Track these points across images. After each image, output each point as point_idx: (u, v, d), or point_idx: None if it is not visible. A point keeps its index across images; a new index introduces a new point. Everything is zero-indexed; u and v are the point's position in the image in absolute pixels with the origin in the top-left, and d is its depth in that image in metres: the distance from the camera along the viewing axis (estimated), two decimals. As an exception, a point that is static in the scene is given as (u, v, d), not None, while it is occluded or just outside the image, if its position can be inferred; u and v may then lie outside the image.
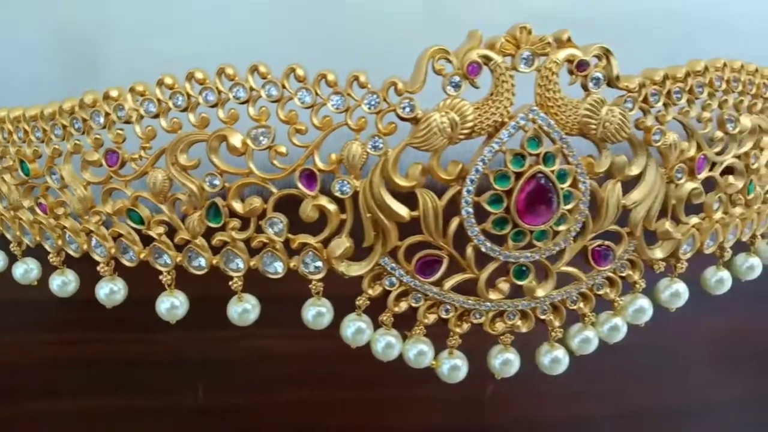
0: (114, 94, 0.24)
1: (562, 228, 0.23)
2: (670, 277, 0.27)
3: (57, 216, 0.27)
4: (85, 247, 0.27)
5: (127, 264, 0.26)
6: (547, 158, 0.22)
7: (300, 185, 0.23)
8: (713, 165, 0.26)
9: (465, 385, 0.46)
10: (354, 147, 0.22)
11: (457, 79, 0.22)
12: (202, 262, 0.25)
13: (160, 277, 0.26)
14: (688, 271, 0.28)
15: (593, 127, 0.23)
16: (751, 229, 0.29)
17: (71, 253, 0.27)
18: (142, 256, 0.25)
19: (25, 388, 0.37)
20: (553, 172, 0.22)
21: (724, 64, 0.25)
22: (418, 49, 0.22)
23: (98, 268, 0.27)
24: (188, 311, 0.27)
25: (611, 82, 0.23)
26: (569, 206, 0.23)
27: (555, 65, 0.22)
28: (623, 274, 0.26)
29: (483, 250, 0.23)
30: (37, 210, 0.27)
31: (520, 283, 0.24)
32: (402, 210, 0.23)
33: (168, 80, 0.23)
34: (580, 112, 0.23)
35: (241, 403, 0.41)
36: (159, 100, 0.23)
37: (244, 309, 0.25)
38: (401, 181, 0.22)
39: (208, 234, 0.25)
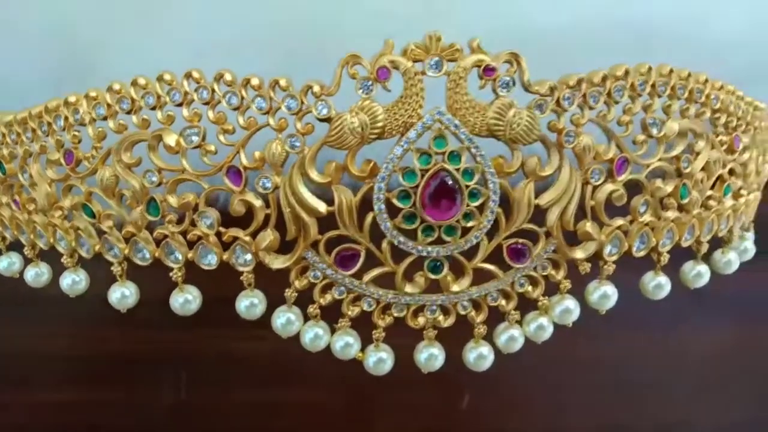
0: (72, 99, 0.26)
1: (470, 224, 0.24)
2: (598, 279, 0.27)
3: (29, 212, 0.29)
4: (51, 240, 0.29)
5: (84, 256, 0.28)
6: (452, 157, 0.23)
7: (227, 181, 0.25)
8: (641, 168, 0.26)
9: (441, 393, 0.47)
10: (274, 146, 0.24)
11: (368, 82, 0.23)
12: (146, 254, 0.27)
13: (112, 268, 0.28)
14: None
15: (500, 129, 0.24)
16: (692, 235, 0.29)
17: (42, 246, 0.30)
18: (96, 248, 0.28)
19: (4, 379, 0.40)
20: (458, 170, 0.23)
21: (649, 69, 0.26)
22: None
23: (62, 260, 0.29)
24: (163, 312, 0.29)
25: (525, 86, 0.24)
26: (476, 203, 0.24)
27: (463, 70, 0.24)
28: (545, 274, 0.26)
29: (396, 244, 0.24)
30: (13, 206, 0.30)
31: (434, 277, 0.25)
32: (320, 205, 0.24)
33: (116, 86, 0.26)
34: (488, 115, 0.24)
35: (210, 402, 0.43)
36: (108, 104, 0.26)
37: (185, 299, 0.27)
38: (317, 178, 0.24)
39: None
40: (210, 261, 0.26)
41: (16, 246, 0.32)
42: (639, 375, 0.47)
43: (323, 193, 0.25)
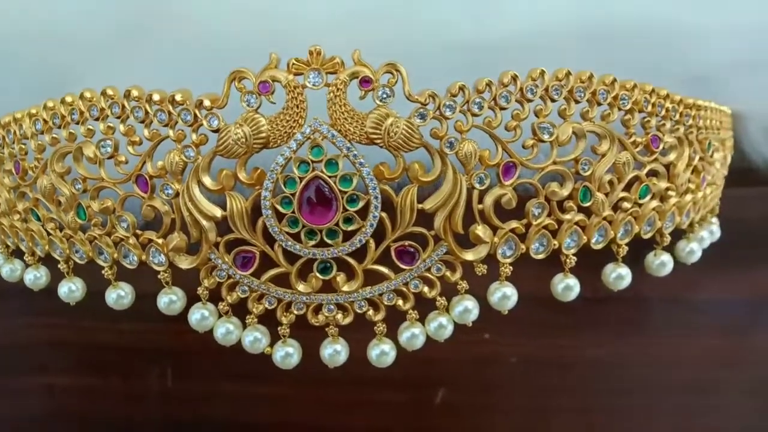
0: (18, 115, 0.30)
1: (352, 228, 0.25)
2: (499, 279, 0.28)
3: None
4: (15, 241, 0.33)
5: (39, 254, 0.32)
6: (329, 164, 0.25)
7: (136, 188, 0.27)
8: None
9: (414, 390, 0.48)
10: (172, 155, 0.26)
11: (252, 96, 0.25)
12: (82, 254, 0.30)
13: (59, 266, 0.31)
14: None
15: (378, 137, 0.25)
16: (604, 236, 0.29)
17: (9, 245, 0.34)
18: (46, 248, 0.31)
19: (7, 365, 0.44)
20: (335, 177, 0.25)
21: (542, 73, 0.26)
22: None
23: (24, 258, 0.33)
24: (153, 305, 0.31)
25: (406, 96, 0.25)
26: (356, 208, 0.25)
27: (341, 82, 0.25)
28: (440, 275, 0.27)
29: (285, 246, 0.26)
30: None
31: (324, 278, 0.26)
32: (215, 210, 0.26)
33: (49, 103, 0.29)
34: (367, 124, 0.25)
35: (198, 390, 0.46)
36: (44, 120, 0.29)
37: (118, 295, 0.30)
38: (210, 185, 0.26)
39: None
40: (131, 260, 0.29)
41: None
42: (621, 379, 0.46)
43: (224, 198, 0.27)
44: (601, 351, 0.45)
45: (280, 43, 0.33)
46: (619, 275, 0.30)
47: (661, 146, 0.29)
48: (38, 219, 0.30)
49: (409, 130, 0.25)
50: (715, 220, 0.38)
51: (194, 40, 0.32)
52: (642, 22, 0.38)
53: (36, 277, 0.33)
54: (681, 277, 0.43)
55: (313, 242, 0.26)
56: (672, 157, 0.30)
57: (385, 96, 0.25)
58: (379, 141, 0.25)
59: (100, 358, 0.46)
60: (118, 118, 0.27)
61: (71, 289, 0.31)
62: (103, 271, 0.30)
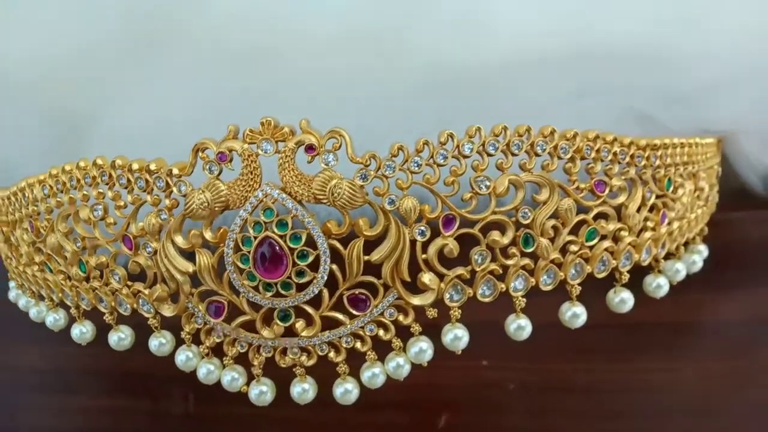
0: (30, 181, 0.34)
1: (304, 280, 0.28)
2: (450, 322, 0.30)
3: (24, 265, 0.37)
4: (37, 289, 0.37)
5: (56, 300, 0.36)
6: (280, 224, 0.27)
7: (123, 247, 0.31)
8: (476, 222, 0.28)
9: (416, 413, 0.50)
10: (150, 218, 0.29)
11: (212, 165, 0.28)
12: (87, 301, 0.34)
13: (70, 311, 0.35)
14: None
15: (324, 197, 0.27)
16: (553, 278, 0.30)
17: (34, 291, 0.38)
18: (60, 295, 0.35)
19: (51, 387, 0.49)
20: (284, 235, 0.27)
21: (478, 129, 0.28)
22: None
23: (45, 303, 0.37)
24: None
25: (350, 158, 0.28)
26: (306, 262, 0.28)
27: (289, 150, 0.27)
28: (393, 319, 0.29)
29: (248, 297, 0.29)
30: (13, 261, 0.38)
31: (284, 325, 0.29)
32: (188, 266, 0.29)
33: (53, 171, 0.33)
34: (314, 186, 0.27)
35: (215, 414, 0.49)
36: (50, 186, 0.33)
37: (119, 337, 0.34)
38: (181, 244, 0.29)
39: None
40: (125, 309, 0.32)
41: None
42: (624, 405, 0.46)
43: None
44: (598, 376, 0.45)
45: (282, 61, 0.36)
46: (574, 314, 0.31)
47: (607, 190, 0.30)
48: (51, 271, 0.35)
49: (352, 191, 0.27)
50: (699, 248, 0.38)
51: (204, 56, 0.36)
52: (623, 45, 0.39)
53: (55, 319, 0.37)
54: (680, 301, 0.44)
55: (270, 293, 0.28)
56: (622, 199, 0.31)
57: (329, 160, 0.27)
58: (325, 201, 0.27)
59: (133, 383, 0.50)
60: (107, 184, 0.31)
61: (82, 332, 0.35)
62: (104, 317, 0.33)
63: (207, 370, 0.31)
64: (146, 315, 0.32)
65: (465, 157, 0.28)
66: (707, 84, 0.40)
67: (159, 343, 0.32)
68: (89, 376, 0.51)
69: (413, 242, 0.28)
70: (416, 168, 0.28)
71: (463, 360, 0.43)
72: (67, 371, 0.50)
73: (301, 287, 0.28)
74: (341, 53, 0.37)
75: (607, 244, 0.31)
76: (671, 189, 0.33)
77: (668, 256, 0.36)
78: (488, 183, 0.28)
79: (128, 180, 0.30)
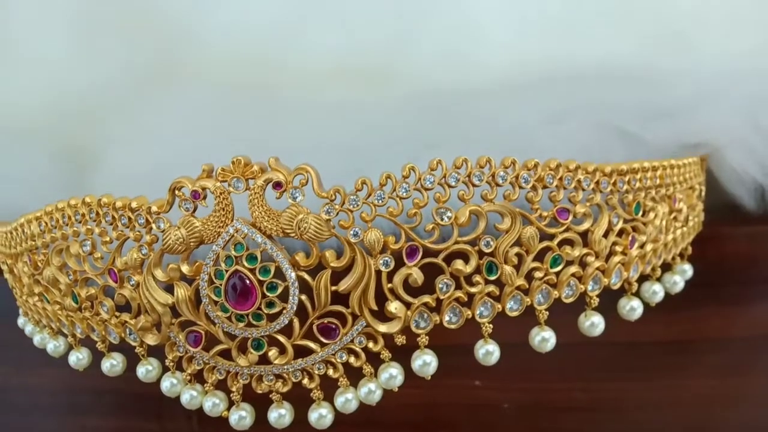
0: (29, 217, 0.36)
1: (274, 311, 0.29)
2: (419, 348, 0.31)
3: (26, 295, 0.40)
4: (37, 317, 0.39)
5: (54, 329, 0.38)
6: (249, 258, 0.29)
7: (109, 280, 0.32)
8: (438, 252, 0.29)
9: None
10: (132, 252, 0.31)
11: (187, 203, 0.30)
12: (81, 330, 0.35)
13: (67, 338, 0.37)
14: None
15: (291, 231, 0.29)
16: (519, 304, 0.31)
17: (36, 320, 0.40)
18: (57, 324, 0.37)
19: (63, 407, 0.51)
20: (254, 269, 0.29)
21: (438, 162, 0.29)
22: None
23: (46, 331, 0.39)
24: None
25: (316, 193, 0.29)
26: (276, 293, 0.29)
27: (258, 187, 0.29)
28: (362, 346, 0.30)
29: (223, 327, 0.30)
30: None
31: (257, 353, 0.30)
32: (168, 297, 0.31)
33: (48, 208, 0.35)
34: (281, 221, 0.29)
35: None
36: (45, 222, 0.35)
37: (111, 364, 0.35)
38: (161, 277, 0.31)
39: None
40: (114, 338, 0.34)
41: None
42: (623, 423, 0.46)
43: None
44: (589, 395, 0.46)
45: (276, 96, 0.38)
46: (542, 338, 0.32)
47: (570, 216, 0.31)
48: (48, 301, 0.37)
49: (318, 225, 0.28)
50: (686, 267, 0.38)
51: (208, 85, 0.38)
52: (605, 65, 0.40)
53: (55, 346, 0.39)
54: (676, 318, 0.44)
55: (242, 324, 0.30)
56: (587, 225, 0.31)
57: (296, 196, 0.29)
58: (293, 235, 0.29)
59: (141, 403, 0.52)
60: (95, 221, 0.33)
61: (78, 358, 0.37)
62: (96, 345, 0.35)
63: (190, 396, 0.33)
64: (132, 344, 0.33)
65: (427, 189, 0.29)
66: (689, 99, 0.41)
67: (146, 370, 0.34)
68: (99, 396, 0.53)
69: (378, 272, 0.29)
70: (380, 201, 0.29)
71: (457, 379, 0.44)
72: (79, 392, 0.52)
73: (272, 317, 0.30)
74: (333, 86, 0.39)
75: (573, 269, 0.31)
76: (640, 213, 0.34)
77: (646, 278, 0.36)
78: (450, 214, 0.29)
79: (113, 217, 0.32)
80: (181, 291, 0.30)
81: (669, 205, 0.36)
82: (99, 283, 0.33)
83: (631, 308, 0.35)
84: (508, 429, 0.46)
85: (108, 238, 0.32)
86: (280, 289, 0.29)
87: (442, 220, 0.29)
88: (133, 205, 0.31)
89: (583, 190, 0.31)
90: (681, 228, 0.38)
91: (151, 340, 0.32)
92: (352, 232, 0.29)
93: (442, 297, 0.30)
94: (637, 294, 0.35)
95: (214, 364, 0.32)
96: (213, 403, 0.33)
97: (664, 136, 0.41)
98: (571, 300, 0.32)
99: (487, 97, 0.40)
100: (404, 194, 0.29)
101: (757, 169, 0.42)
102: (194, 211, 0.30)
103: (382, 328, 0.30)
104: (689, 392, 0.46)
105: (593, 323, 0.33)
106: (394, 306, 0.30)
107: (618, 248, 0.33)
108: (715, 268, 0.43)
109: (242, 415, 0.32)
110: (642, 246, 0.34)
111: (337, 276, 0.30)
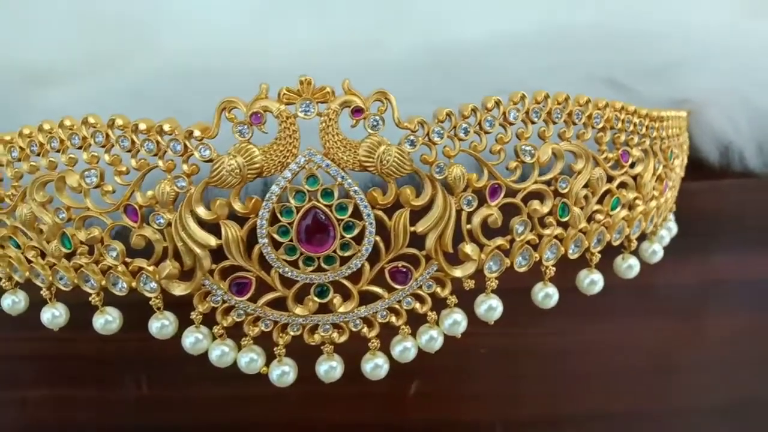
0: (-7, 143, 0.29)
1: (348, 253, 0.26)
2: (485, 292, 0.29)
3: None
4: (-7, 266, 0.32)
5: (18, 281, 0.31)
6: (325, 194, 0.25)
7: (125, 218, 0.27)
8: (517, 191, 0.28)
9: (388, 383, 0.49)
10: (163, 185, 0.26)
11: (244, 126, 0.25)
12: (67, 281, 0.29)
13: (41, 292, 0.30)
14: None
15: (371, 165, 0.25)
16: (580, 247, 0.30)
17: None
18: (27, 274, 0.30)
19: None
20: (330, 206, 0.25)
21: (522, 97, 0.27)
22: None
23: (0, 283, 0.32)
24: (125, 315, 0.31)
25: (396, 123, 0.26)
26: (352, 235, 0.26)
27: (333, 112, 0.25)
28: (431, 291, 0.28)
29: (282, 273, 0.26)
30: None
31: (321, 301, 0.27)
32: (210, 239, 0.26)
33: (26, 131, 0.28)
34: (359, 152, 0.25)
35: (173, 396, 0.46)
36: (21, 147, 0.28)
37: (105, 320, 0.30)
38: (204, 215, 0.26)
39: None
40: (121, 288, 0.28)
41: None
42: (588, 365, 0.48)
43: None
44: (564, 339, 0.47)
45: (257, 72, 0.34)
46: (592, 281, 0.32)
47: (630, 160, 0.31)
48: (17, 246, 0.30)
49: (401, 157, 0.26)
50: (671, 216, 0.40)
51: (169, 69, 0.32)
52: (595, 26, 0.41)
53: (14, 302, 0.32)
54: (643, 267, 0.46)
55: (311, 268, 0.26)
56: (639, 169, 0.31)
57: (375, 124, 0.25)
58: (372, 168, 0.26)
59: (76, 370, 0.45)
60: (103, 147, 0.27)
61: (54, 315, 0.31)
62: (90, 298, 0.29)
63: (221, 352, 0.29)
64: (148, 294, 0.28)
65: (510, 124, 0.27)
66: (677, 58, 0.42)
67: (161, 324, 0.29)
68: (25, 363, 0.45)
69: (458, 212, 0.27)
70: (464, 135, 0.26)
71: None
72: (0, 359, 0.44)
73: (343, 261, 0.26)
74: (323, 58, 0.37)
75: (624, 212, 0.31)
76: (672, 160, 0.34)
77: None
78: (533, 152, 0.27)
79: (132, 142, 0.26)
80: (231, 231, 0.26)
81: (682, 154, 0.38)
82: (106, 222, 0.27)
83: (653, 252, 0.36)
84: (483, 375, 0.47)
85: (123, 168, 0.26)
86: (356, 230, 0.26)
87: (525, 158, 0.27)
88: (166, 127, 0.26)
89: (638, 134, 0.31)
90: (680, 178, 0.40)
91: (178, 289, 0.28)
92: (435, 167, 0.26)
93: (516, 239, 0.28)
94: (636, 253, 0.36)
95: (261, 314, 0.28)
96: (250, 359, 0.29)
97: (656, 91, 0.43)
98: (617, 243, 0.32)
99: (489, 51, 0.41)
100: (488, 128, 0.27)
101: (731, 126, 0.45)
102: (250, 137, 0.25)
103: (457, 272, 0.28)
104: (651, 334, 0.49)
105: (630, 266, 0.34)
106: (470, 248, 0.28)
107: (656, 193, 0.33)
108: (679, 221, 0.46)
109: (285, 370, 0.29)
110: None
111: (413, 215, 0.27)
